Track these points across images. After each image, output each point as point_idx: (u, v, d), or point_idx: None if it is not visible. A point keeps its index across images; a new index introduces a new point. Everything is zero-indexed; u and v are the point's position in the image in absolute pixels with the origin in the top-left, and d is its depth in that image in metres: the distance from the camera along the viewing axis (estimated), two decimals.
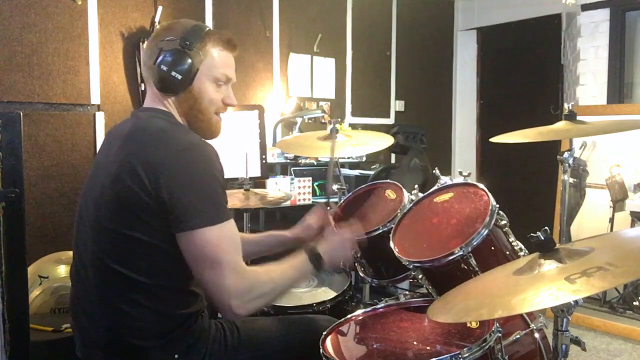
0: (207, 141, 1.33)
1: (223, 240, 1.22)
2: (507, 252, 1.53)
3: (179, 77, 1.30)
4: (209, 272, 1.20)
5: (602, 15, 3.78)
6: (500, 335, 1.25)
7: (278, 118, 3.64)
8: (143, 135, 1.28)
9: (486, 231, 1.43)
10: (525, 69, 4.80)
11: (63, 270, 2.29)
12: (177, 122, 1.36)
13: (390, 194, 1.92)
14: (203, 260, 1.21)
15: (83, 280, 1.31)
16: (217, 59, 1.36)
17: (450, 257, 1.41)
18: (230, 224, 1.25)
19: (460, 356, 1.15)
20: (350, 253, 1.51)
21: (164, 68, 1.30)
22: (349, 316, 1.49)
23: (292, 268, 1.36)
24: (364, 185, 2.08)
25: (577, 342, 1.25)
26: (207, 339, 1.35)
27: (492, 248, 1.50)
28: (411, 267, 1.52)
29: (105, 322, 1.27)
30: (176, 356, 1.28)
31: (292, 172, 3.29)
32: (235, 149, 2.55)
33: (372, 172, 3.32)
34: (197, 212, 1.19)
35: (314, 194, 3.30)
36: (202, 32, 1.34)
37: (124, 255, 1.24)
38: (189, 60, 1.30)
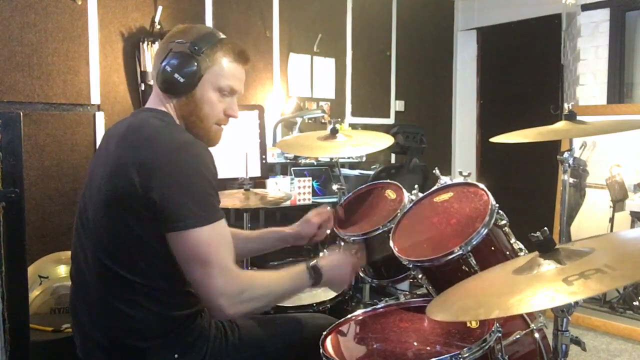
0: None
1: (214, 240, 1.21)
2: (507, 252, 1.53)
3: (182, 79, 1.29)
4: (200, 272, 1.20)
5: (602, 15, 3.78)
6: (500, 335, 1.25)
7: (278, 118, 3.64)
8: (137, 134, 1.28)
9: (486, 231, 1.43)
10: (525, 69, 4.80)
11: (63, 270, 2.29)
12: (174, 122, 1.36)
13: (390, 194, 1.92)
14: (194, 259, 1.20)
15: (83, 280, 1.31)
16: (225, 68, 1.35)
17: (450, 257, 1.41)
18: (222, 224, 1.24)
19: (460, 356, 1.15)
20: (349, 276, 1.48)
21: (169, 69, 1.30)
22: (349, 316, 1.49)
23: (289, 277, 1.36)
24: (364, 185, 2.08)
25: (577, 342, 1.25)
26: (207, 338, 1.35)
27: (492, 248, 1.50)
28: (411, 266, 1.52)
29: (104, 323, 1.27)
30: (176, 356, 1.28)
31: (292, 172, 3.30)
32: (235, 149, 2.55)
33: (372, 172, 3.31)
34: (188, 213, 1.19)
35: (314, 194, 3.30)
36: (214, 39, 1.34)
37: (120, 256, 1.24)
38: (195, 65, 1.30)
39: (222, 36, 1.38)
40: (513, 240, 1.55)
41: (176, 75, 1.29)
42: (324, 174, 3.44)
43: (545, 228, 1.07)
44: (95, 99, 2.96)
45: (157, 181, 1.18)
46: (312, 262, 1.39)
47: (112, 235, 1.24)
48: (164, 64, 1.31)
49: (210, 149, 1.34)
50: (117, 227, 1.23)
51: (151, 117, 1.33)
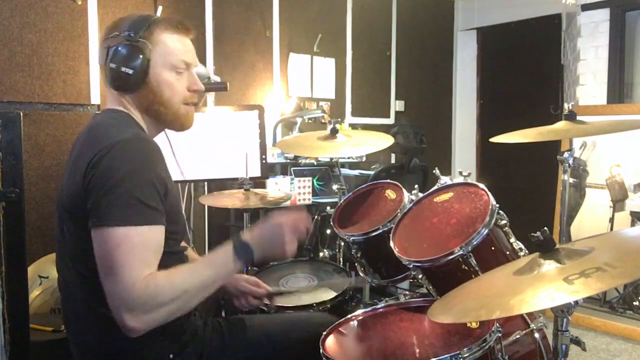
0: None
1: (126, 244, 1.09)
2: (507, 252, 1.53)
3: (130, 71, 1.23)
4: (106, 278, 1.09)
5: (602, 15, 3.78)
6: (500, 335, 1.25)
7: (278, 118, 3.64)
8: (90, 137, 1.24)
9: (486, 231, 1.43)
10: (525, 69, 4.80)
11: None
12: (128, 119, 1.29)
13: (390, 194, 1.92)
14: (101, 262, 1.10)
15: (68, 288, 1.29)
16: (169, 45, 1.28)
17: (450, 257, 1.41)
18: (143, 230, 1.12)
19: (460, 356, 1.15)
20: (285, 243, 1.25)
21: (114, 65, 1.23)
22: (349, 316, 1.49)
23: (209, 265, 1.21)
24: (364, 185, 2.08)
25: (577, 342, 1.25)
26: (202, 337, 1.33)
27: (492, 248, 1.50)
28: (411, 266, 1.52)
29: (94, 329, 1.24)
30: (171, 356, 1.26)
31: (292, 172, 3.30)
32: (235, 149, 2.55)
33: (372, 172, 3.31)
34: (105, 210, 1.10)
35: (314, 194, 3.30)
36: (148, 20, 1.27)
37: (93, 262, 1.14)
38: (138, 53, 1.23)
39: (155, 16, 1.31)
40: (513, 240, 1.55)
41: (123, 69, 1.23)
42: (324, 174, 3.44)
43: (545, 228, 1.07)
44: (95, 99, 2.95)
45: (91, 181, 1.14)
46: (238, 239, 1.22)
47: (79, 243, 1.19)
48: (106, 62, 1.25)
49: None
50: (81, 234, 1.16)
51: (105, 118, 1.29)
